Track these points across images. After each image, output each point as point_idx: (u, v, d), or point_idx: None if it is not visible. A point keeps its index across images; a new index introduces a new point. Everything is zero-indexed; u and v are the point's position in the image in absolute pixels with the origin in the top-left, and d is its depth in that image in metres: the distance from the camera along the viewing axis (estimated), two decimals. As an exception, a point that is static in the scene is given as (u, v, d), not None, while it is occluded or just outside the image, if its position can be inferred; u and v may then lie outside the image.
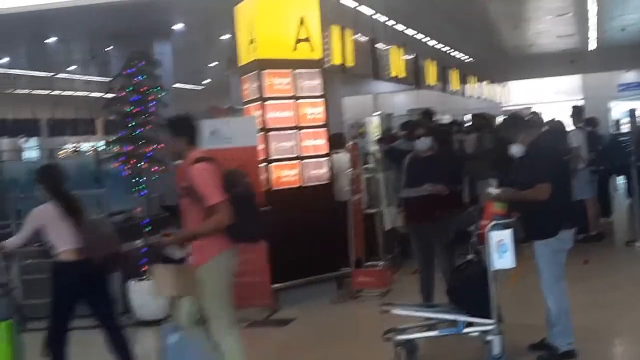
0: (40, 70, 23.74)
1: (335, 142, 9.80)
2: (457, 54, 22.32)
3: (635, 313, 7.68)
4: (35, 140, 29.82)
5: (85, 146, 30.04)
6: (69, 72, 24.59)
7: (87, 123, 27.19)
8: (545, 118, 14.86)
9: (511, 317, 6.47)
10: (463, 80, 21.00)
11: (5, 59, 21.16)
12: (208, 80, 30.03)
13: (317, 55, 9.16)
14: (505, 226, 5.91)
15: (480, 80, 24.10)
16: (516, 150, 6.40)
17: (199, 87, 31.05)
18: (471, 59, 24.31)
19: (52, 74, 24.42)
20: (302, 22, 8.95)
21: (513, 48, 26.96)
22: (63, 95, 27.09)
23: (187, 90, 29.51)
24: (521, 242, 6.13)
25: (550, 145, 6.89)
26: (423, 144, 7.23)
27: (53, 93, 26.31)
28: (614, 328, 7.26)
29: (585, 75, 31.44)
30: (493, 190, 6.21)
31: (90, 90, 23.68)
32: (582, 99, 30.74)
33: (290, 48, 8.88)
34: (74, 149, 31.41)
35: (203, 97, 29.45)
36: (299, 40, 8.94)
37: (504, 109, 30.76)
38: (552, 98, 31.65)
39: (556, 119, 15.47)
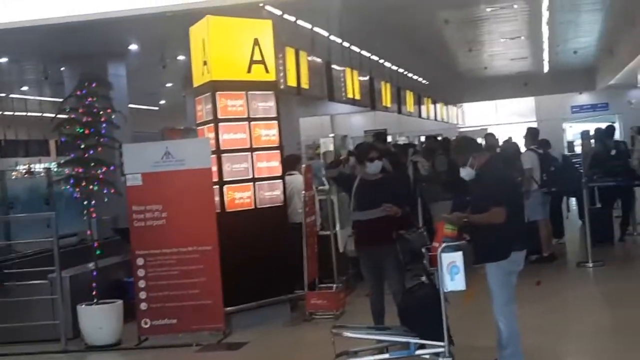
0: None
1: (289, 163, 9.79)
2: (413, 76, 22.50)
3: (585, 335, 7.77)
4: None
5: (38, 167, 29.62)
6: (22, 92, 24.26)
7: (40, 144, 26.79)
8: (501, 139, 15.11)
9: (463, 339, 6.49)
10: (418, 102, 21.16)
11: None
12: (163, 101, 29.84)
13: (271, 77, 9.15)
14: (456, 248, 5.93)
15: (435, 102, 24.30)
16: (465, 173, 6.43)
17: (156, 108, 30.84)
18: (426, 81, 24.54)
19: (3, 94, 24.07)
20: (256, 44, 8.93)
21: (467, 70, 27.27)
22: (16, 115, 26.72)
23: (144, 110, 29.30)
24: (473, 264, 6.15)
25: (501, 167, 6.96)
26: (375, 167, 7.21)
27: (5, 113, 25.94)
28: (563, 350, 7.33)
29: (539, 98, 31.91)
30: (446, 215, 6.25)
31: (44, 110, 23.35)
32: (535, 121, 31.25)
33: (244, 70, 8.86)
34: (26, 170, 30.95)
35: (160, 117, 29.28)
36: (253, 62, 8.91)
37: (460, 130, 31.09)
38: (507, 120, 32.08)
39: (511, 139, 15.71)
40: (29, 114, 26.64)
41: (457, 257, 5.88)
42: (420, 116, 22.12)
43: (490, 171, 6.35)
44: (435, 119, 24.72)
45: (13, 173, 27.68)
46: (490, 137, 14.03)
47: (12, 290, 8.93)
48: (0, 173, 15.09)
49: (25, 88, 23.67)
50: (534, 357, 6.39)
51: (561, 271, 11.15)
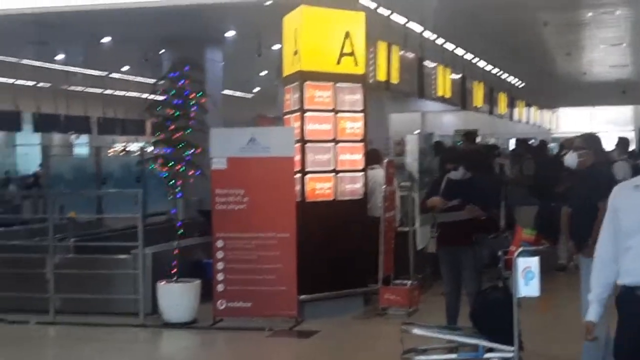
0: (94, 69, 24.16)
1: (372, 157, 9.80)
2: (507, 77, 22.12)
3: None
4: (86, 137, 30.32)
5: (134, 146, 30.46)
6: (122, 72, 24.97)
7: (136, 123, 27.51)
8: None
9: (537, 345, 6.41)
10: (511, 104, 20.79)
11: (62, 56, 21.56)
12: (258, 89, 30.22)
13: (360, 70, 9.17)
14: (533, 253, 5.86)
15: (529, 105, 23.83)
16: (570, 160, 6.39)
17: (249, 95, 31.27)
18: (521, 82, 24.08)
19: (105, 73, 24.83)
20: (347, 36, 8.96)
21: (565, 75, 26.69)
22: (115, 94, 27.52)
23: (237, 97, 29.76)
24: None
25: (608, 169, 6.88)
26: (456, 175, 7.23)
27: (106, 92, 26.75)
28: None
29: (638, 107, 30.96)
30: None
31: (142, 91, 23.98)
32: (633, 130, 30.33)
33: (334, 61, 8.91)
34: (123, 148, 31.89)
35: (252, 105, 29.65)
36: (343, 54, 8.95)
37: (553, 135, 30.46)
38: (602, 128, 31.26)
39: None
40: (128, 94, 27.42)
41: (533, 263, 5.79)
42: (512, 119, 21.74)
43: (597, 170, 6.26)
44: (527, 123, 24.27)
45: (109, 150, 28.62)
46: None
47: (98, 263, 9.26)
48: (96, 149, 15.66)
49: (125, 68, 24.36)
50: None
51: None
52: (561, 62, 23.26)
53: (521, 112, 22.70)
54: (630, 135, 29.50)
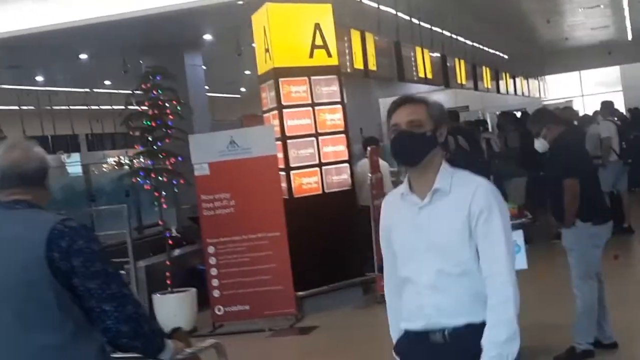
0: (76, 87, 24.11)
1: (368, 144, 9.73)
2: (490, 50, 22.05)
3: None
4: (77, 155, 30.24)
5: (125, 159, 30.36)
6: (105, 86, 24.92)
7: (125, 136, 27.49)
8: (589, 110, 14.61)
9: (534, 317, 6.38)
10: (496, 77, 20.72)
11: (41, 78, 21.51)
12: (244, 89, 30.16)
13: (334, 61, 9.15)
14: (516, 227, 5.83)
15: (514, 76, 23.78)
16: (538, 145, 6.36)
17: (237, 96, 31.21)
18: (505, 55, 24.02)
19: (88, 89, 24.77)
20: (317, 29, 8.95)
21: (547, 42, 26.60)
22: (101, 109, 27.47)
23: (225, 98, 29.70)
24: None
25: (574, 140, 6.83)
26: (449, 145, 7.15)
27: (91, 108, 26.70)
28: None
29: (624, 66, 30.85)
30: None
31: (126, 102, 23.96)
32: (622, 90, 30.28)
33: (306, 55, 8.88)
34: (117, 161, 31.80)
35: (241, 105, 29.58)
36: (314, 47, 8.94)
37: (544, 103, 30.40)
38: (592, 90, 31.18)
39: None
40: (115, 107, 27.36)
41: (518, 236, 5.78)
42: (498, 92, 21.68)
43: (563, 143, 6.22)
44: (515, 94, 24.20)
45: (104, 166, 28.53)
46: (567, 110, 13.67)
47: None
48: (84, 167, 15.63)
49: (108, 82, 24.30)
50: (616, 330, 6.22)
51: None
52: (542, 30, 23.15)
53: (507, 84, 22.62)
54: (619, 95, 29.68)
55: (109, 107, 26.96)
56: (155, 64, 14.15)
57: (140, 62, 17.42)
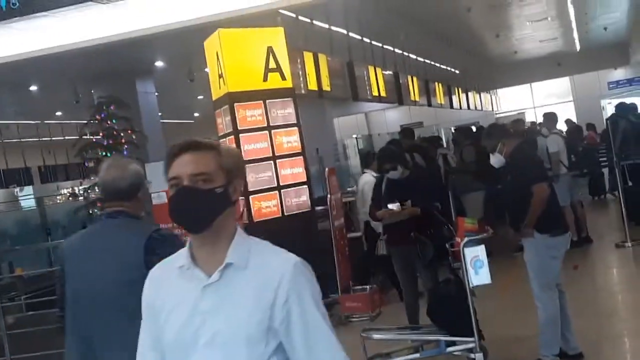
0: (28, 119, 23.80)
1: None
2: (441, 66, 22.28)
3: (633, 316, 7.62)
4: (30, 188, 29.78)
5: (81, 189, 29.98)
6: (57, 117, 24.63)
7: (79, 166, 27.17)
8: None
9: (500, 330, 6.42)
10: (449, 92, 20.92)
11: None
12: (197, 114, 30.08)
13: (288, 84, 9.15)
14: (478, 242, 5.86)
15: (467, 90, 24.04)
16: (495, 160, 6.40)
17: (191, 121, 31.08)
18: (456, 70, 24.29)
19: (39, 121, 24.47)
20: (270, 52, 8.95)
21: (498, 56, 27.00)
22: (53, 140, 27.13)
23: (179, 124, 29.54)
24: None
25: (530, 152, 6.93)
26: (394, 174, 7.12)
27: (43, 139, 26.35)
28: (609, 333, 7.19)
29: (574, 77, 31.42)
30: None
31: (80, 133, 23.66)
32: (572, 101, 30.83)
33: (260, 79, 8.87)
34: (70, 193, 31.36)
35: (195, 130, 29.47)
36: (268, 70, 8.94)
37: (497, 116, 30.76)
38: (544, 102, 31.64)
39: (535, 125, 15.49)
40: (67, 137, 27.04)
41: (480, 251, 5.82)
42: (452, 107, 21.90)
43: (522, 155, 6.30)
44: (468, 108, 24.47)
45: (58, 197, 28.13)
46: (518, 122, 13.84)
47: (50, 317, 9.02)
48: (37, 200, 15.38)
49: (59, 113, 24.03)
50: (580, 340, 6.26)
51: (600, 252, 10.95)
52: (492, 44, 23.47)
53: (460, 98, 22.85)
54: (571, 105, 30.17)
55: (61, 137, 26.66)
56: (107, 92, 14.10)
57: (92, 91, 17.27)
